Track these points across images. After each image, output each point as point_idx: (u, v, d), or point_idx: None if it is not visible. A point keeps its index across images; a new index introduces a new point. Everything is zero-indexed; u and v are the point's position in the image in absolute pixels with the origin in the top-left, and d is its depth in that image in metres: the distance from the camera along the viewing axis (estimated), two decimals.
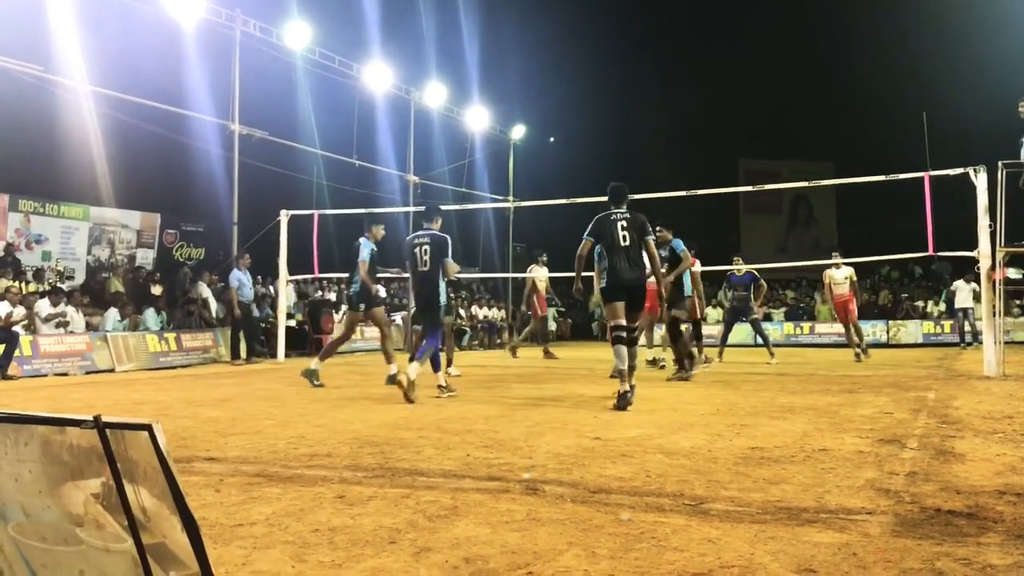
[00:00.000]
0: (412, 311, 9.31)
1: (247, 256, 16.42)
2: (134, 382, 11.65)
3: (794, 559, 2.87)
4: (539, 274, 16.65)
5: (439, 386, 8.93)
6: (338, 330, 11.75)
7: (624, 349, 7.70)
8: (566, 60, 30.59)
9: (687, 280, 11.53)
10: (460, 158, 25.78)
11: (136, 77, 15.78)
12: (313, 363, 10.44)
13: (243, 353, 16.42)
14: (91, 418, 1.91)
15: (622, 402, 7.41)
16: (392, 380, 9.96)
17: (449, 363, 11.94)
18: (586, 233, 7.97)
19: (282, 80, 19.64)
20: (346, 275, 19.44)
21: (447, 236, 9.18)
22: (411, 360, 8.86)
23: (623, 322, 7.81)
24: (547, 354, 16.72)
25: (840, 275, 15.84)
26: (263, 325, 17.41)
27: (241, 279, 16.38)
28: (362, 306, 10.60)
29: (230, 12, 16.54)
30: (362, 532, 3.26)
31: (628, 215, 8.02)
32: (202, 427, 6.38)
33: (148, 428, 1.85)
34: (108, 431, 1.91)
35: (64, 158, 17.65)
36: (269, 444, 5.50)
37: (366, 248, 10.55)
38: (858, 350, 15.65)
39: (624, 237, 7.86)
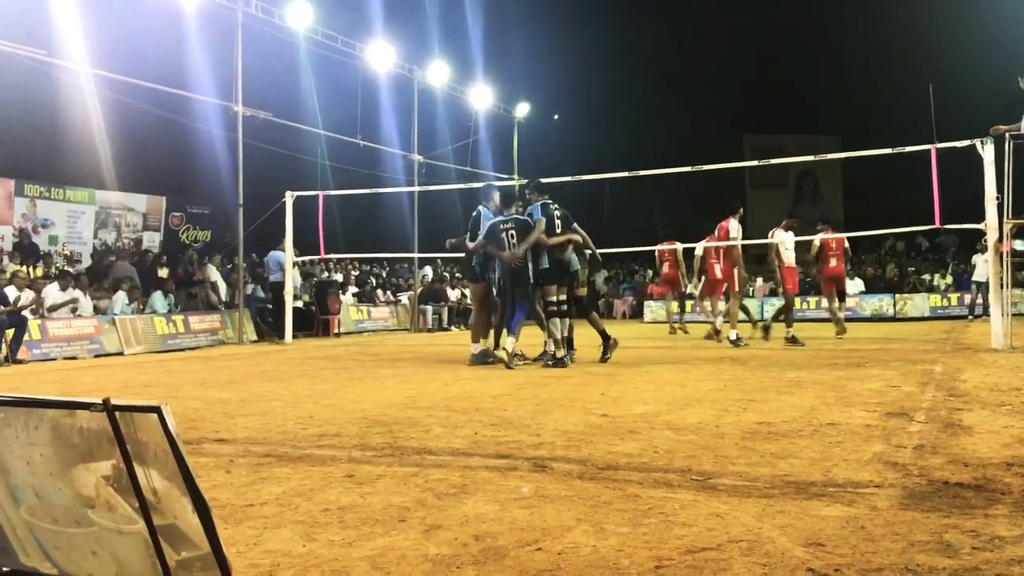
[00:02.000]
0: (500, 285, 9.91)
1: (281, 244, 16.50)
2: (143, 364, 11.71)
3: (802, 533, 2.88)
4: (782, 238, 13.59)
5: (514, 354, 9.63)
6: (475, 307, 11.26)
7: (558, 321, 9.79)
8: (569, 37, 30.45)
9: (574, 257, 10.25)
10: (464, 137, 25.70)
11: (139, 60, 15.74)
12: (475, 348, 10.39)
13: (251, 334, 16.50)
14: (100, 401, 1.92)
15: (559, 364, 9.51)
16: (481, 359, 10.20)
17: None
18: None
19: (285, 61, 19.58)
20: (352, 256, 19.45)
21: (527, 219, 9.88)
22: (508, 333, 9.88)
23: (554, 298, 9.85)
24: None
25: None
26: (269, 306, 17.44)
27: (280, 260, 16.50)
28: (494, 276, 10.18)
29: None
30: (371, 511, 3.28)
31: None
32: (211, 408, 6.41)
33: (157, 410, 1.87)
34: (117, 414, 1.92)
35: (69, 142, 17.68)
36: (278, 425, 5.52)
37: (489, 217, 10.27)
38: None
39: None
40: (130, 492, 1.96)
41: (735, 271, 13.23)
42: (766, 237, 13.86)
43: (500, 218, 9.85)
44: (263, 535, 2.99)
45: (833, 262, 14.65)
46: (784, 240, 13.35)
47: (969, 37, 26.57)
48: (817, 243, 14.48)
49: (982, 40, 25.78)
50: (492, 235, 9.75)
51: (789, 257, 13.41)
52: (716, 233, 13.62)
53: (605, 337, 10.27)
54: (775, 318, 14.27)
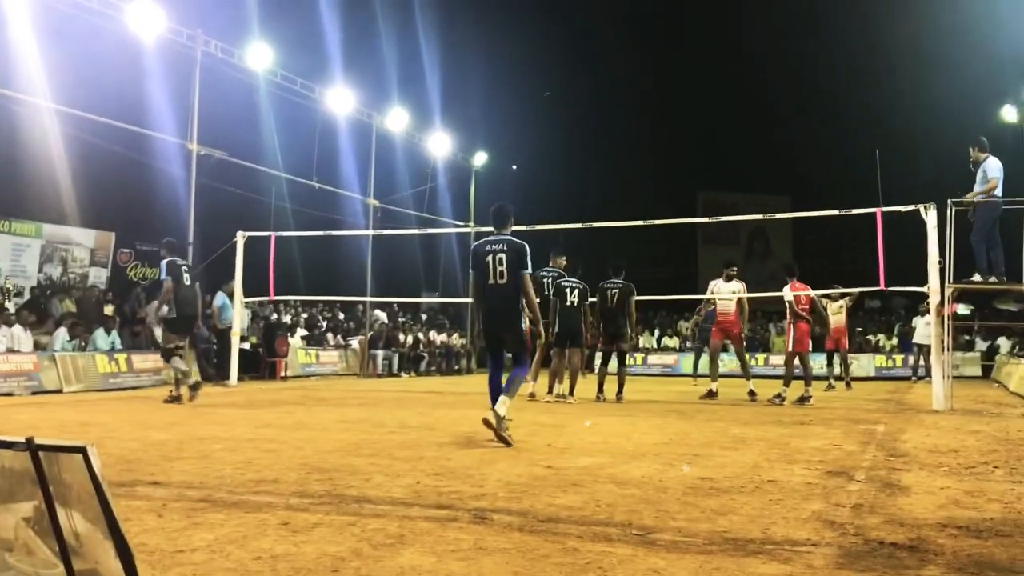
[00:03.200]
0: (477, 332, 7.67)
1: (231, 283, 16.33)
2: (82, 403, 11.44)
3: None
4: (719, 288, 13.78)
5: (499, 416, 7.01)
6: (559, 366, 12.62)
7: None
8: (528, 90, 30.89)
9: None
10: (422, 183, 25.81)
11: (95, 95, 15.60)
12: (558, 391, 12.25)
13: (194, 375, 16.22)
14: (23, 440, 1.87)
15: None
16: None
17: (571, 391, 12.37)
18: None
19: (243, 101, 19.56)
20: (303, 298, 19.30)
21: (526, 243, 7.52)
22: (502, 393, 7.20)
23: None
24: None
25: (836, 304, 16.41)
26: (214, 346, 17.15)
27: (226, 301, 16.32)
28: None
29: (191, 32, 16.46)
30: (305, 560, 3.21)
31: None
32: (148, 450, 6.26)
33: (82, 451, 1.82)
34: (41, 453, 1.87)
35: (19, 174, 17.39)
36: (216, 469, 5.41)
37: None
38: (846, 379, 16.67)
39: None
40: (51, 535, 1.91)
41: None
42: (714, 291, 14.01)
43: (488, 238, 7.55)
44: None
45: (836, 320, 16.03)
46: (721, 290, 13.50)
47: (915, 104, 27.42)
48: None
49: (928, 108, 26.62)
50: (475, 259, 7.56)
51: (724, 307, 13.42)
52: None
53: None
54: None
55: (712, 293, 13.72)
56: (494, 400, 7.11)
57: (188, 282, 11.38)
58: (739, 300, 13.23)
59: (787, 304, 12.65)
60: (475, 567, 3.14)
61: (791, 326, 12.63)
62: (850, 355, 23.24)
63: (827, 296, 16.03)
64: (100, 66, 16.15)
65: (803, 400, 12.23)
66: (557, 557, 3.30)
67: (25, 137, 16.33)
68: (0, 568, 1.99)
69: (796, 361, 12.67)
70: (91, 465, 1.80)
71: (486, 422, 6.82)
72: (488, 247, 7.33)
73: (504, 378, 7.28)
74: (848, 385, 16.44)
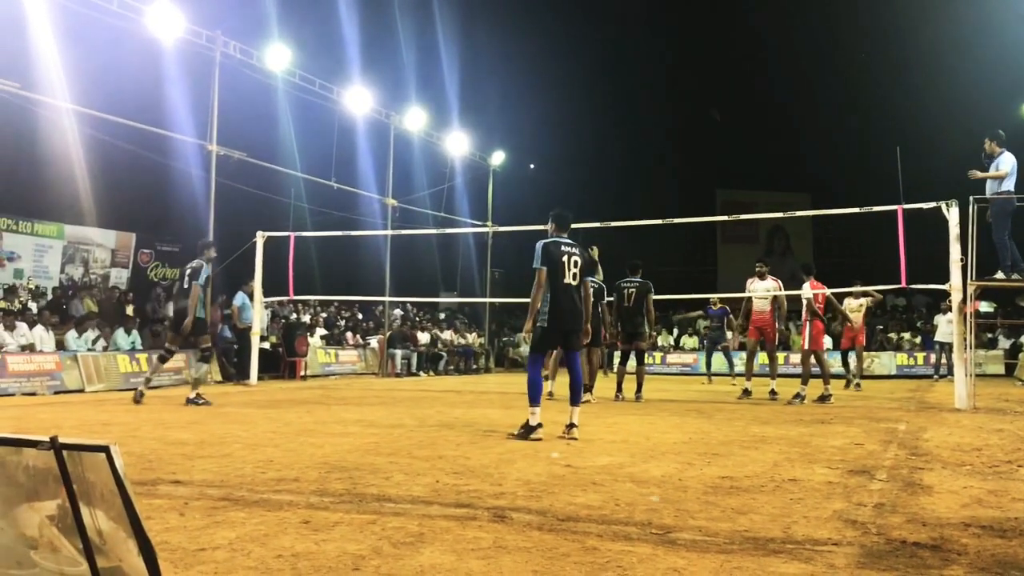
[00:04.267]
0: (543, 329, 7.46)
1: (250, 283, 16.43)
2: (103, 403, 11.52)
3: None
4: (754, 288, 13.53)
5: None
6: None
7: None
8: (546, 89, 30.78)
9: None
10: (440, 182, 25.81)
11: (115, 96, 15.71)
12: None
13: (215, 374, 16.35)
14: (47, 439, 1.89)
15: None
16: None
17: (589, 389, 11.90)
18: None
19: (262, 102, 19.65)
20: (321, 298, 19.41)
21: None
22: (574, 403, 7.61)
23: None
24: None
25: (856, 303, 16.47)
26: (235, 346, 17.25)
27: (246, 301, 16.41)
28: None
29: (210, 33, 16.54)
30: (326, 558, 3.22)
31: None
32: (169, 449, 6.31)
33: (105, 450, 1.83)
34: (65, 452, 1.88)
35: (40, 176, 17.57)
36: (236, 468, 5.44)
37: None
38: (857, 378, 16.61)
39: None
40: (75, 533, 1.92)
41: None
42: (738, 291, 13.96)
43: (563, 239, 7.73)
44: None
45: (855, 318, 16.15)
46: (756, 288, 13.37)
47: (938, 102, 27.19)
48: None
49: (949, 104, 26.39)
50: (550, 256, 7.65)
51: (760, 305, 13.23)
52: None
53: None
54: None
55: (749, 291, 13.52)
56: (535, 399, 7.38)
57: (187, 284, 11.19)
58: (775, 298, 13.04)
59: (805, 302, 12.59)
60: (495, 566, 3.15)
61: (807, 324, 12.57)
62: (871, 353, 23.32)
63: (848, 294, 16.03)
64: (120, 68, 16.27)
65: (823, 399, 12.16)
66: (576, 556, 3.30)
67: (46, 139, 16.47)
68: (26, 565, 2.01)
69: (812, 360, 12.60)
70: (114, 464, 1.82)
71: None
72: (563, 247, 7.51)
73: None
74: (858, 385, 16.30)
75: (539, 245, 7.49)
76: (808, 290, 12.57)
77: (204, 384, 11.61)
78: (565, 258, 7.45)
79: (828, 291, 12.94)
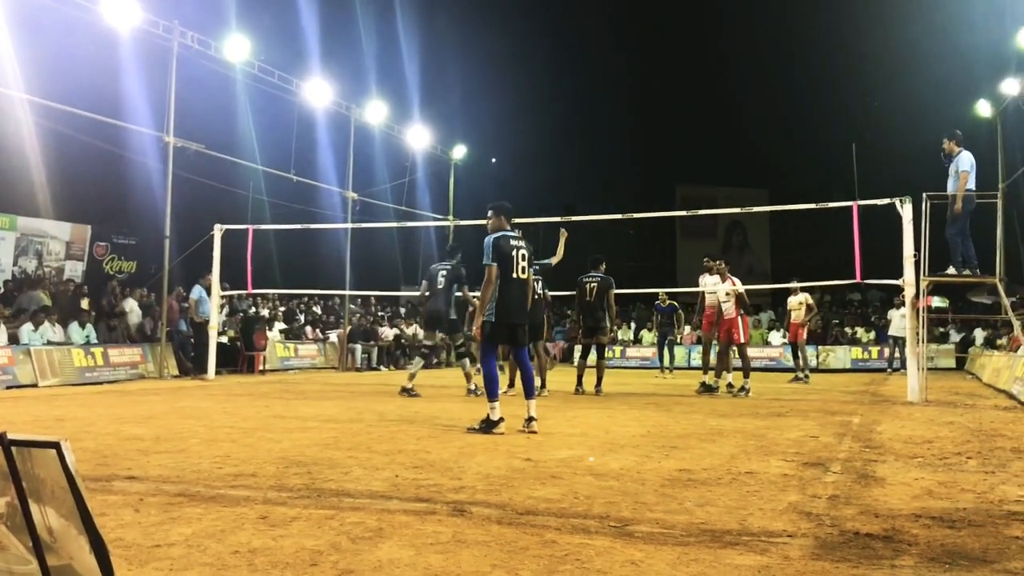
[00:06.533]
0: (492, 324, 7.42)
1: (208, 276, 16.25)
2: (57, 398, 11.33)
3: None
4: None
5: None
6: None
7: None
8: (507, 84, 30.81)
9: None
10: (401, 176, 25.69)
11: (71, 86, 15.43)
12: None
13: (172, 368, 16.19)
14: None
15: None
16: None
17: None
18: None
19: (220, 93, 19.39)
20: (281, 292, 19.25)
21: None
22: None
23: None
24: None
25: (795, 301, 17.01)
26: (191, 340, 17.05)
27: (203, 295, 16.21)
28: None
29: (167, 23, 16.27)
30: (283, 554, 3.20)
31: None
32: (124, 445, 6.22)
33: (56, 446, 1.81)
34: (14, 448, 1.85)
35: None
36: (193, 463, 5.39)
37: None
38: (801, 374, 16.78)
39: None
40: (24, 531, 1.89)
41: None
42: (697, 285, 14.07)
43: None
44: None
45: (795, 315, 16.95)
46: (707, 283, 13.51)
47: (891, 99, 27.60)
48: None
49: (904, 102, 26.80)
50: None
51: (711, 300, 13.39)
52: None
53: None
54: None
55: (702, 286, 13.64)
56: (493, 394, 7.41)
57: (441, 284, 11.68)
58: (739, 298, 13.05)
59: (735, 298, 12.88)
60: (453, 560, 3.15)
61: (738, 319, 12.86)
62: (825, 348, 23.69)
63: (787, 290, 16.76)
64: (75, 57, 15.99)
65: (711, 389, 12.82)
66: (535, 549, 3.31)
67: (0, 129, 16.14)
68: None
69: (735, 352, 12.96)
70: (65, 460, 1.79)
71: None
72: (512, 242, 7.55)
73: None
74: (805, 378, 16.50)
75: (489, 240, 7.50)
76: (728, 286, 12.92)
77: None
78: (515, 252, 7.52)
79: (742, 288, 13.18)
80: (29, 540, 1.87)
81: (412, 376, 11.79)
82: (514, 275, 7.49)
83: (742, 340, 12.83)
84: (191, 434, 6.98)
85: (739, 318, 12.76)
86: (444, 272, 11.64)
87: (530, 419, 7.42)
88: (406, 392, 11.47)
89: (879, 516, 3.97)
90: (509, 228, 7.72)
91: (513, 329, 7.66)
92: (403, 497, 4.34)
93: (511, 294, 7.49)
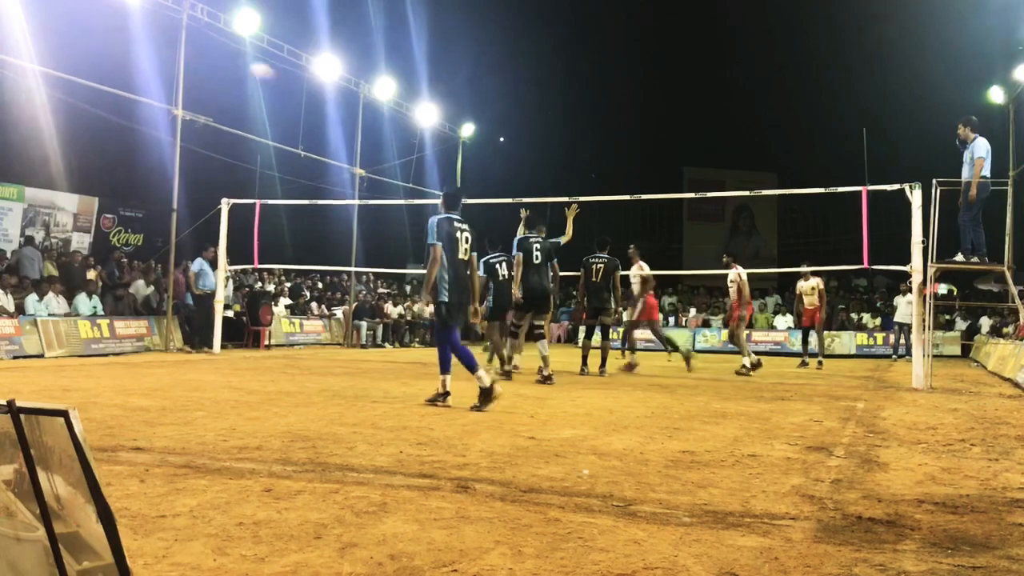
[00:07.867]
0: (447, 304, 7.56)
1: (211, 248, 16.27)
2: (64, 368, 11.39)
3: (716, 562, 2.91)
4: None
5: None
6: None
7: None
8: (516, 63, 30.61)
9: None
10: (409, 153, 25.62)
11: (81, 58, 15.38)
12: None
13: (177, 341, 16.24)
14: (4, 403, 1.86)
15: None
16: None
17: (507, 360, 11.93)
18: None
19: (229, 67, 19.32)
20: (288, 267, 19.24)
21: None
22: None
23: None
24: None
25: (807, 286, 16.78)
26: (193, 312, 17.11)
27: (204, 267, 16.23)
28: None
29: None
30: (287, 526, 3.22)
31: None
32: (130, 416, 6.25)
33: (64, 414, 1.81)
34: (23, 416, 1.86)
35: (1, 137, 17.20)
36: (198, 435, 5.41)
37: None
38: (809, 358, 16.91)
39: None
40: (32, 498, 1.90)
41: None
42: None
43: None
44: (173, 548, 2.92)
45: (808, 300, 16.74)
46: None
47: (903, 84, 27.41)
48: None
49: (915, 87, 26.61)
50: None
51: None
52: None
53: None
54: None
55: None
56: (446, 367, 7.76)
57: (538, 260, 11.48)
58: (739, 287, 13.73)
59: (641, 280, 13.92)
60: (457, 535, 3.16)
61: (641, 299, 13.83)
62: (831, 333, 23.63)
63: (793, 274, 16.80)
64: (86, 30, 15.93)
65: (630, 367, 13.28)
66: (538, 527, 3.32)
67: (9, 99, 16.13)
68: None
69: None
70: (73, 429, 1.79)
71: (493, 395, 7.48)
72: (455, 224, 7.80)
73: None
74: (820, 363, 16.56)
75: (432, 221, 7.75)
76: (636, 270, 13.82)
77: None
78: (458, 234, 7.77)
79: (649, 272, 14.10)
80: (36, 507, 1.88)
81: (509, 359, 11.67)
82: (459, 256, 7.76)
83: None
84: (197, 407, 7.01)
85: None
86: (538, 244, 11.27)
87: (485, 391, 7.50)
88: (505, 375, 11.07)
89: (882, 501, 3.98)
90: (455, 213, 7.94)
91: (462, 308, 7.89)
92: (407, 473, 4.35)
93: (457, 274, 7.75)
